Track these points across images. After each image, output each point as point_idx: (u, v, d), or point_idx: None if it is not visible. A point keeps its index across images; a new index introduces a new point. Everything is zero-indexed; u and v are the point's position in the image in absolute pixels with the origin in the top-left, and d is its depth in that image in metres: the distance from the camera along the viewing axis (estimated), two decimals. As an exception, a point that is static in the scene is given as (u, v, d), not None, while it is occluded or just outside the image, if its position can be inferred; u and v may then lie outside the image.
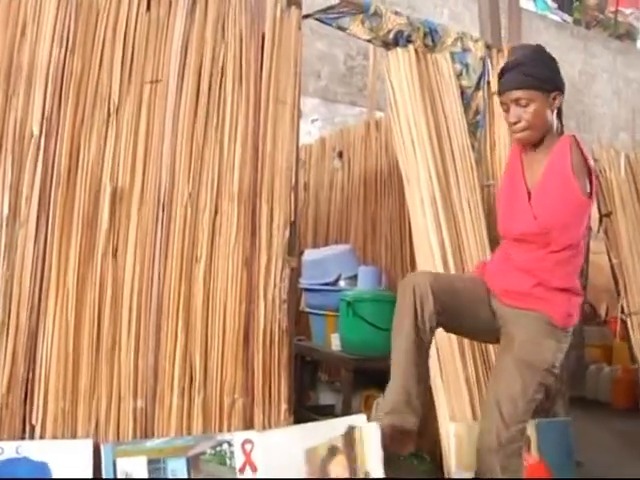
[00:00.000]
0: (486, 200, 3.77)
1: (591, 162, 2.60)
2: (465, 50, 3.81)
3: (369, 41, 3.64)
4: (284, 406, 3.07)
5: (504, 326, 2.64)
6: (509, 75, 2.53)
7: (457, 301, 2.61)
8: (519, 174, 2.65)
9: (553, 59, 2.61)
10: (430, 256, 3.46)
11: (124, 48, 2.85)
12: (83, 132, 2.77)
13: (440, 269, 3.44)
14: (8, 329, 2.61)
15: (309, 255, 4.74)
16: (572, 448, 3.59)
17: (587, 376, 6.71)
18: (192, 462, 2.75)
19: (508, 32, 8.27)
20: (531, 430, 3.36)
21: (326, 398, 4.94)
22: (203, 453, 2.78)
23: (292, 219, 3.15)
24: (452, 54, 3.76)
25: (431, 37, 3.73)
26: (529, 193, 2.59)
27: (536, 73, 2.50)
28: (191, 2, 2.97)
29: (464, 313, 2.65)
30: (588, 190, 2.54)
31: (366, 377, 4.44)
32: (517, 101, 2.49)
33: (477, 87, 3.80)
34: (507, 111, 2.56)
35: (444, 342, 3.37)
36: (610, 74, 12.56)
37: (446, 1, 10.16)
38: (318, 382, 5.12)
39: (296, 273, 3.22)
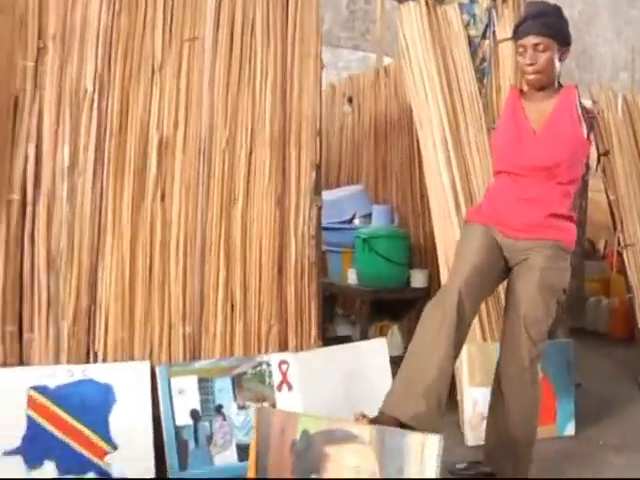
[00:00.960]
0: (491, 142, 4.02)
1: (586, 113, 2.87)
2: (472, 1, 4.01)
3: None
4: (314, 331, 3.40)
5: (520, 258, 2.79)
6: (532, 22, 2.73)
7: (487, 284, 2.80)
8: (521, 115, 2.85)
9: (566, 18, 2.84)
10: (442, 193, 3.75)
11: (164, 9, 3.09)
12: (131, 88, 3.03)
13: (451, 204, 3.74)
14: (72, 267, 2.92)
15: (325, 196, 5.01)
16: (572, 367, 3.85)
17: (587, 308, 6.99)
18: (236, 381, 3.10)
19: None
20: (535, 351, 3.71)
21: (343, 330, 5.27)
22: (245, 373, 3.13)
23: (317, 162, 3.43)
24: (460, 5, 3.97)
25: (439, -11, 3.96)
26: (534, 132, 2.80)
27: (556, 25, 2.76)
28: (220, -41, 3.22)
29: (488, 290, 2.88)
30: (586, 134, 2.82)
31: (380, 308, 4.76)
32: (536, 46, 2.71)
33: (484, 36, 3.99)
34: (523, 54, 2.76)
35: None
36: (611, 13, 12.55)
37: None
38: (335, 316, 5.44)
39: (321, 211, 3.50)
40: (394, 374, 3.60)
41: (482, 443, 3.32)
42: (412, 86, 3.88)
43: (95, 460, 2.81)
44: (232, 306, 3.22)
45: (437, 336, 2.55)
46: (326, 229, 4.89)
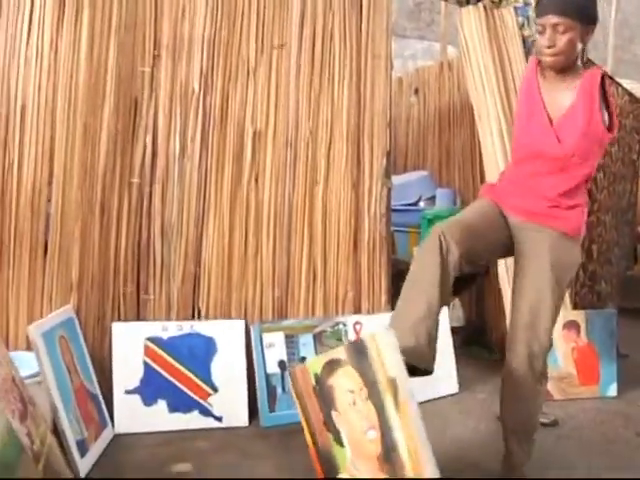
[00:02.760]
0: None
1: (613, 98, 2.68)
2: (526, 4, 4.30)
3: (446, 0, 4.23)
4: (384, 297, 3.87)
5: (525, 240, 2.67)
6: (553, 0, 2.49)
7: (482, 243, 2.61)
8: (537, 97, 2.63)
9: None
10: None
11: (257, 22, 3.56)
12: (230, 88, 3.53)
13: None
14: (181, 238, 3.43)
15: (393, 180, 5.38)
16: (615, 335, 4.14)
17: None
18: (317, 338, 3.58)
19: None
20: (581, 318, 4.07)
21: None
22: (325, 331, 3.60)
23: (387, 150, 3.87)
24: (515, 8, 4.29)
25: (497, -5, 4.33)
26: (549, 117, 2.59)
27: (578, 3, 2.48)
28: (306, -21, 3.67)
29: (488, 252, 2.71)
30: (607, 123, 2.60)
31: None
32: (555, 26, 2.45)
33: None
34: (542, 33, 2.51)
35: None
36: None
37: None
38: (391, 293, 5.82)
39: (391, 193, 3.94)
40: (454, 342, 4.07)
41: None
42: (471, 82, 4.22)
43: (199, 400, 3.32)
44: (314, 274, 3.70)
45: (423, 276, 2.46)
46: (394, 210, 5.22)
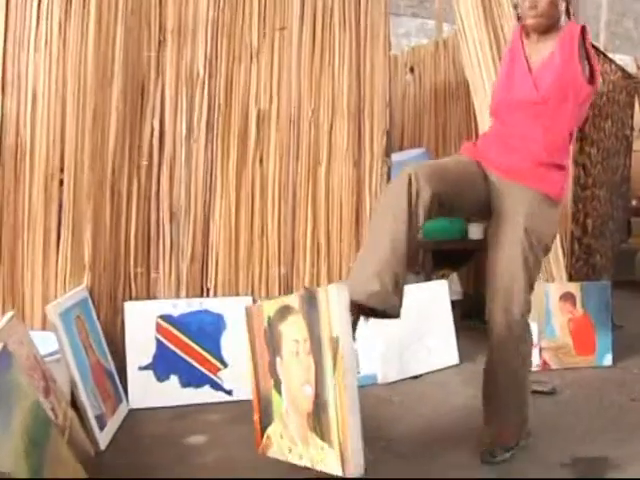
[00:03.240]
0: None
1: (593, 53, 2.64)
2: None
3: None
4: (385, 272, 3.97)
5: (503, 199, 2.61)
6: None
7: (455, 188, 2.52)
8: (520, 55, 2.64)
9: None
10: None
11: (259, 5, 3.65)
12: (234, 70, 3.62)
13: None
14: (189, 218, 3.54)
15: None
16: (610, 306, 4.24)
17: (636, 262, 7.10)
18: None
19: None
20: (577, 290, 4.19)
21: (407, 279, 5.76)
22: None
23: (387, 129, 3.97)
24: None
25: (493, -26, 4.38)
26: (529, 67, 2.60)
27: None
28: (307, -38, 3.75)
29: (461, 199, 2.59)
30: (588, 75, 2.57)
31: (441, 258, 5.22)
32: None
33: None
34: None
35: None
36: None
37: None
38: None
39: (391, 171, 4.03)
40: (454, 314, 4.19)
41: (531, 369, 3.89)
42: (467, 59, 4.31)
43: (210, 375, 3.42)
44: (318, 250, 3.82)
45: (387, 216, 2.38)
46: (392, 188, 5.40)
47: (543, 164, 2.58)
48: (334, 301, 2.06)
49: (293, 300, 2.25)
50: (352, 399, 2.04)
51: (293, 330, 2.23)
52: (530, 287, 2.64)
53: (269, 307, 2.33)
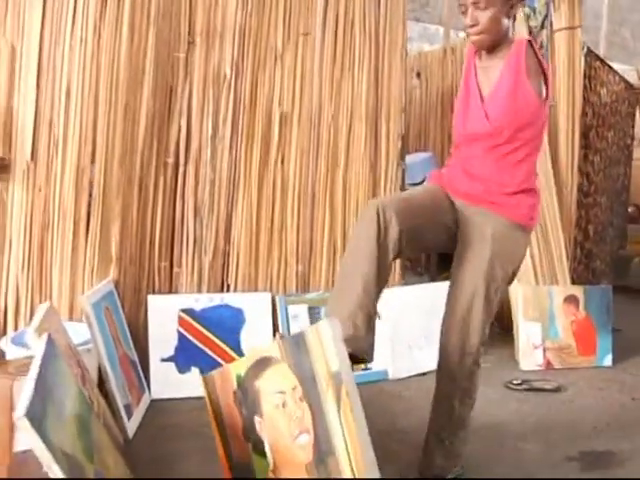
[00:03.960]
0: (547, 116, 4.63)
1: (546, 65, 2.50)
2: None
3: None
4: (398, 270, 4.13)
5: (468, 224, 2.51)
6: None
7: (423, 221, 2.43)
8: (472, 79, 2.53)
9: None
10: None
11: (284, 11, 3.76)
12: (259, 73, 3.73)
13: None
14: (212, 215, 3.64)
15: None
16: (610, 309, 4.42)
17: (631, 268, 7.10)
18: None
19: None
20: (580, 293, 4.34)
21: (411, 281, 5.88)
22: None
23: (402, 133, 4.12)
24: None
25: (506, -14, 4.50)
26: (482, 96, 2.48)
27: None
28: (329, -30, 3.86)
29: (431, 232, 2.49)
30: (544, 93, 2.44)
31: (445, 260, 5.33)
32: (476, 4, 2.34)
33: (542, 26, 4.53)
34: (464, 13, 2.40)
35: None
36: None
37: None
38: (404, 268, 6.04)
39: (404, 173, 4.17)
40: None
41: (535, 368, 4.07)
42: None
43: (230, 367, 3.54)
44: (334, 249, 3.93)
45: (357, 255, 2.30)
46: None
47: (506, 192, 2.48)
48: (328, 336, 1.94)
49: (271, 350, 2.10)
50: (364, 434, 1.91)
51: (275, 382, 2.09)
52: (487, 318, 2.51)
53: (237, 367, 2.20)
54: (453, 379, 2.53)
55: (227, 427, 2.25)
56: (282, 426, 2.07)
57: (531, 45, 2.46)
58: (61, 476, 1.65)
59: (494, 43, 2.44)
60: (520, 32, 4.49)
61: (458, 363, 2.50)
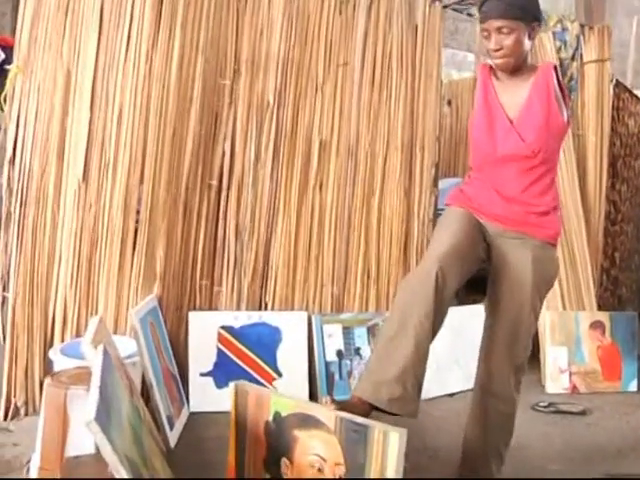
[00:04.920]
0: (576, 146, 4.74)
1: (565, 89, 2.60)
2: (564, 29, 4.63)
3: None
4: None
5: (506, 248, 2.54)
6: (493, 3, 2.43)
7: (468, 265, 2.45)
8: (494, 99, 2.57)
9: None
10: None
11: (325, 43, 3.91)
12: (301, 102, 3.87)
13: None
14: (253, 237, 3.77)
15: None
16: (636, 336, 4.52)
17: None
18: (370, 330, 3.92)
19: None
20: (606, 319, 4.45)
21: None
22: (377, 324, 3.92)
23: (436, 161, 4.25)
24: (553, 33, 4.61)
25: (538, 21, 4.63)
26: (509, 118, 2.53)
27: (520, 3, 2.43)
28: (368, 5, 4.01)
29: (470, 269, 2.49)
30: (566, 115, 2.54)
31: (473, 284, 5.42)
32: (499, 29, 2.42)
33: (572, 58, 4.62)
34: (487, 38, 2.47)
35: None
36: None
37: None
38: None
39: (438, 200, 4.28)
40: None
41: (561, 391, 4.14)
42: None
43: (265, 383, 3.63)
44: (368, 273, 4.05)
45: (412, 314, 2.25)
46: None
47: (541, 212, 2.55)
48: (394, 448, 1.91)
49: (325, 416, 2.06)
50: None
51: (318, 445, 2.06)
52: (530, 338, 2.60)
53: (278, 403, 2.16)
54: (504, 399, 2.61)
55: (247, 443, 2.26)
56: (313, 485, 2.08)
57: (555, 69, 2.56)
58: (126, 477, 1.77)
59: (517, 65, 2.52)
60: (545, 57, 4.62)
61: (506, 383, 2.57)
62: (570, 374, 4.27)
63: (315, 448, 2.07)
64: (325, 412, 2.08)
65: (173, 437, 3.13)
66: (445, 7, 4.37)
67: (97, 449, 1.92)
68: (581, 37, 4.74)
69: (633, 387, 4.40)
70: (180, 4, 3.49)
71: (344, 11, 3.96)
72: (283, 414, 2.14)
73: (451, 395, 3.97)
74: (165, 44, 3.47)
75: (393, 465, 1.92)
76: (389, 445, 1.92)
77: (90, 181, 3.38)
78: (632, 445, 3.42)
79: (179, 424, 3.29)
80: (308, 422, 2.09)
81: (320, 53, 3.92)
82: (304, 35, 3.87)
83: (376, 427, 1.97)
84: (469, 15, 4.52)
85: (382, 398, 2.19)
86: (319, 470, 2.06)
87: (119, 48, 3.41)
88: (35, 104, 3.31)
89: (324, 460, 2.05)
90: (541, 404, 3.88)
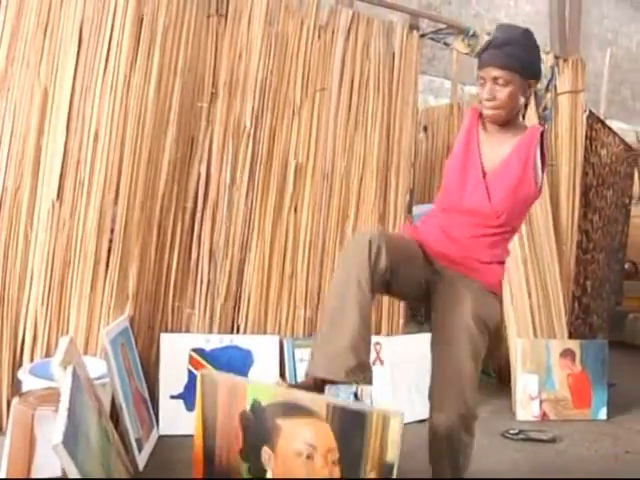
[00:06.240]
0: (549, 176, 4.77)
1: (546, 154, 2.54)
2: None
3: (467, 54, 4.57)
4: (401, 320, 4.27)
5: (448, 286, 2.50)
6: (494, 52, 2.40)
7: (404, 264, 2.42)
8: (475, 148, 2.52)
9: (538, 47, 2.52)
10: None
11: (303, 68, 3.95)
12: (277, 125, 3.90)
13: None
14: (226, 259, 3.77)
15: None
16: (606, 364, 4.56)
17: (626, 323, 7.24)
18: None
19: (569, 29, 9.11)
20: (576, 347, 4.49)
21: (411, 328, 6.02)
22: None
23: (410, 187, 4.29)
24: None
25: (514, 51, 4.70)
26: (484, 171, 2.48)
27: (521, 57, 2.39)
28: (346, 31, 4.06)
29: (408, 274, 2.46)
30: (540, 183, 2.49)
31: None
32: (495, 79, 2.38)
33: (547, 89, 4.68)
34: (483, 85, 2.43)
35: (514, 275, 4.45)
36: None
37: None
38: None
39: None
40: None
41: (531, 419, 4.17)
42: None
43: (236, 407, 3.65)
44: (342, 297, 4.05)
45: (351, 284, 2.24)
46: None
47: (483, 261, 2.51)
48: (395, 431, 1.96)
49: (315, 404, 2.04)
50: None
51: (307, 432, 2.04)
52: (477, 373, 2.48)
53: (256, 391, 2.11)
54: (451, 438, 2.47)
55: (217, 435, 2.21)
56: (299, 474, 2.07)
57: (542, 135, 2.49)
58: (91, 502, 1.76)
59: (507, 120, 2.47)
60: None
61: (457, 422, 2.43)
62: (540, 401, 4.30)
63: (303, 436, 2.04)
64: (315, 400, 2.06)
65: (142, 460, 3.11)
66: (422, 36, 4.41)
67: (64, 472, 1.91)
68: (555, 68, 4.82)
69: (603, 415, 4.45)
70: (159, 26, 3.51)
71: (322, 36, 4.00)
72: (263, 403, 2.09)
73: (422, 421, 3.94)
74: (143, 65, 3.48)
75: (394, 449, 1.95)
76: (389, 429, 1.95)
77: (64, 200, 3.36)
78: (600, 473, 3.44)
79: (148, 447, 3.26)
80: (294, 410, 2.06)
81: (298, 77, 3.95)
82: (282, 59, 3.91)
83: (374, 412, 2.00)
84: (445, 44, 4.57)
85: (338, 371, 2.17)
86: (308, 457, 2.04)
87: (97, 68, 3.41)
88: (11, 121, 3.29)
89: (314, 448, 2.02)
90: (511, 431, 3.90)
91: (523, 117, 2.62)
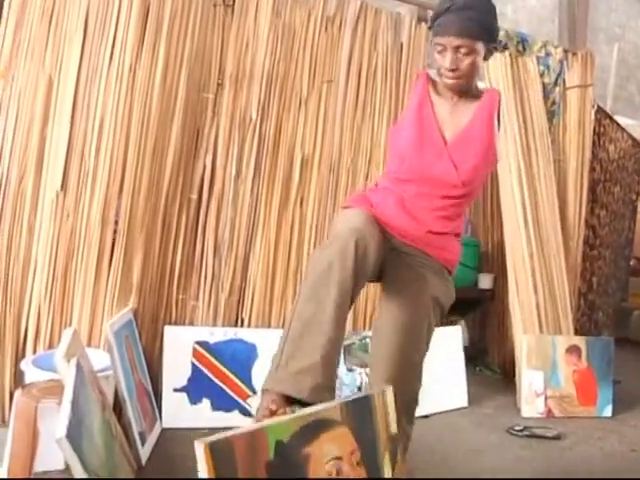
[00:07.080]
0: (557, 171, 4.75)
1: (501, 123, 2.48)
2: (547, 54, 4.69)
3: None
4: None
5: (406, 262, 2.34)
6: (454, 17, 2.21)
7: (381, 251, 2.24)
8: (430, 115, 2.37)
9: (494, 7, 2.31)
10: (514, 212, 4.49)
11: (310, 58, 3.92)
12: (284, 117, 3.87)
13: (520, 222, 4.44)
14: (231, 252, 3.75)
15: None
16: (612, 361, 4.53)
17: (631, 321, 7.26)
18: (346, 349, 3.86)
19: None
20: (582, 344, 4.45)
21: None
22: (353, 343, 3.89)
23: (417, 181, 4.23)
24: (537, 58, 4.65)
25: (522, 45, 4.67)
26: (444, 139, 2.35)
27: (483, 22, 2.24)
28: (354, 23, 4.03)
29: (378, 261, 2.24)
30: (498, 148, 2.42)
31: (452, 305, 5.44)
32: (458, 48, 2.23)
33: (555, 83, 4.67)
34: (441, 53, 2.27)
35: (520, 271, 4.43)
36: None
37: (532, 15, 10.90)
38: None
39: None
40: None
41: (536, 415, 4.15)
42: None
43: (240, 400, 3.60)
44: (346, 291, 4.02)
45: (330, 283, 2.02)
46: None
47: (446, 234, 2.39)
48: (391, 402, 1.98)
49: (331, 412, 1.88)
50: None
51: (331, 447, 1.86)
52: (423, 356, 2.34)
53: (275, 431, 1.75)
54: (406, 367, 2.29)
55: None
56: (334, 493, 1.91)
57: (499, 100, 2.43)
58: (96, 496, 1.74)
59: (466, 88, 2.36)
60: (535, 89, 4.65)
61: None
62: (545, 398, 4.27)
63: (329, 454, 1.87)
64: (328, 408, 1.89)
65: (145, 453, 3.08)
66: (430, 28, 4.35)
67: (67, 465, 1.88)
68: (564, 62, 4.79)
69: (608, 412, 4.41)
70: (166, 16, 3.48)
71: (330, 28, 3.96)
72: (285, 440, 1.78)
73: (426, 417, 3.94)
74: (149, 56, 3.46)
75: (393, 419, 1.99)
76: (388, 403, 1.98)
77: (68, 191, 3.34)
78: (605, 472, 3.41)
79: (151, 440, 3.23)
80: (315, 429, 1.85)
81: (305, 69, 3.92)
82: (289, 51, 3.87)
83: (374, 392, 1.99)
84: (454, 36, 4.50)
85: (302, 388, 1.96)
86: (337, 473, 1.88)
87: (102, 58, 3.38)
88: (15, 111, 3.27)
89: (339, 459, 1.88)
90: (516, 428, 3.87)
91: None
